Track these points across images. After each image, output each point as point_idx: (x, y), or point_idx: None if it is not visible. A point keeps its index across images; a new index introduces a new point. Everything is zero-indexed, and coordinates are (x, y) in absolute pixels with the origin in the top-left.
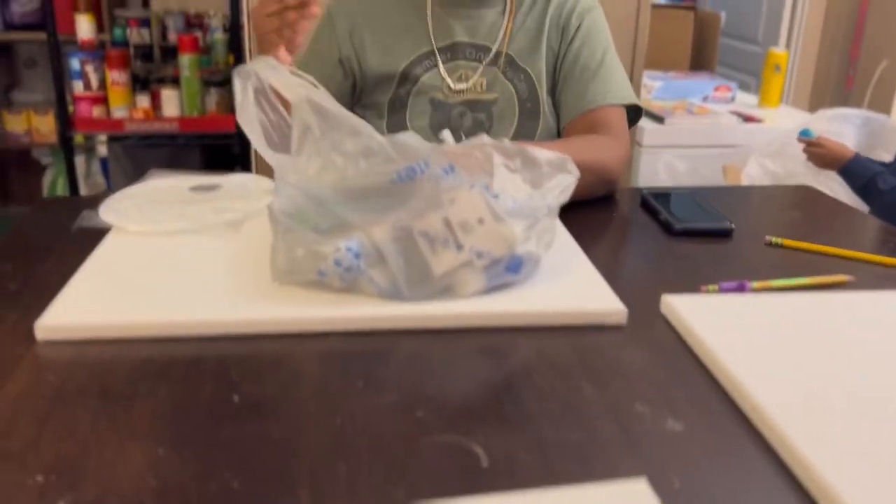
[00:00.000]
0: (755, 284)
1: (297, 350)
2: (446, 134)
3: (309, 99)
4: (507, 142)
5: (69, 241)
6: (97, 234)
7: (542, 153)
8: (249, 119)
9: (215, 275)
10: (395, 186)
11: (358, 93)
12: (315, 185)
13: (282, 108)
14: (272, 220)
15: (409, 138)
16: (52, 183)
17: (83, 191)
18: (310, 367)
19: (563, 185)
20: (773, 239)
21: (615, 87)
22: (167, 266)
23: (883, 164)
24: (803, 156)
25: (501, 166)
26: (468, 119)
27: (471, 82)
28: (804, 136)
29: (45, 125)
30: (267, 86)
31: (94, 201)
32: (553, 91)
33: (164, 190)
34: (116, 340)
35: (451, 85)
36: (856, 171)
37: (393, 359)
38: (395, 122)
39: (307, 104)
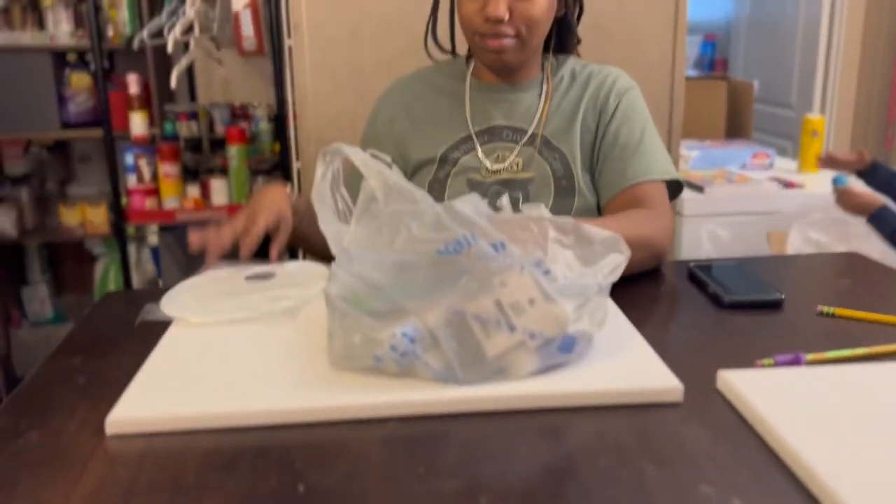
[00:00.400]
0: (810, 357)
1: (357, 436)
2: (504, 200)
3: (381, 173)
4: (565, 217)
5: (133, 334)
6: (160, 326)
7: (597, 231)
8: (322, 193)
9: (275, 363)
10: (444, 260)
11: None
12: (365, 252)
13: (349, 199)
14: (329, 305)
15: (467, 206)
16: (104, 272)
17: (135, 279)
18: (371, 454)
19: (615, 265)
20: (825, 308)
21: (655, 163)
22: (228, 356)
23: None
24: (848, 224)
25: (555, 242)
26: (505, 198)
27: (507, 162)
28: (838, 183)
29: (97, 217)
30: (342, 173)
31: (155, 295)
32: (592, 169)
33: (221, 281)
34: (184, 432)
35: (489, 166)
36: (884, 218)
37: (452, 443)
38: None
39: (378, 178)
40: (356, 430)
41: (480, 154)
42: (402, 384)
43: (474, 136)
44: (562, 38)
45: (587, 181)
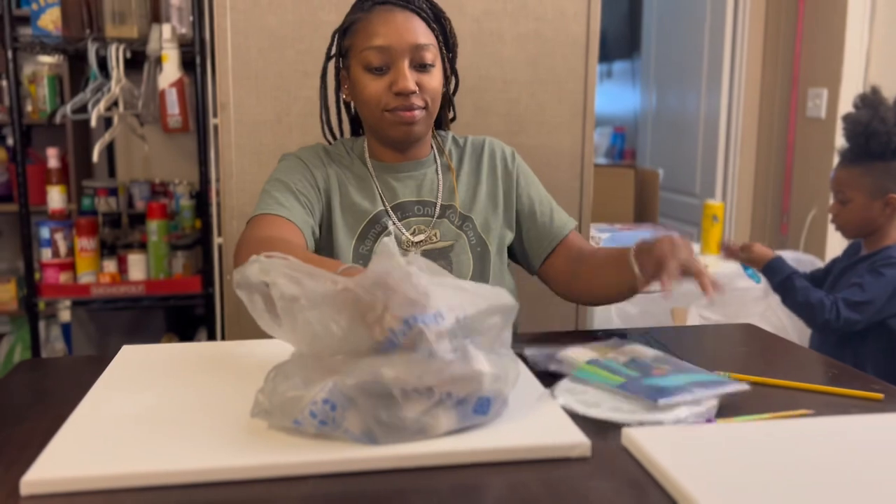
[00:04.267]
0: (719, 421)
1: (279, 495)
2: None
3: (290, 295)
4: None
5: (49, 400)
6: (78, 391)
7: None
8: (268, 322)
9: (198, 420)
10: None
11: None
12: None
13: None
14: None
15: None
16: (10, 351)
17: (44, 356)
18: None
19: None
20: (720, 373)
21: (566, 214)
22: (151, 417)
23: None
24: (738, 303)
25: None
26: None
27: (426, 235)
28: (747, 272)
29: (5, 294)
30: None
31: (72, 361)
32: (518, 230)
33: None
34: (102, 492)
35: (410, 238)
36: (776, 268)
37: (370, 500)
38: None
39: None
40: (278, 489)
41: (400, 227)
42: (321, 444)
43: (389, 212)
44: (439, 114)
45: (497, 245)
